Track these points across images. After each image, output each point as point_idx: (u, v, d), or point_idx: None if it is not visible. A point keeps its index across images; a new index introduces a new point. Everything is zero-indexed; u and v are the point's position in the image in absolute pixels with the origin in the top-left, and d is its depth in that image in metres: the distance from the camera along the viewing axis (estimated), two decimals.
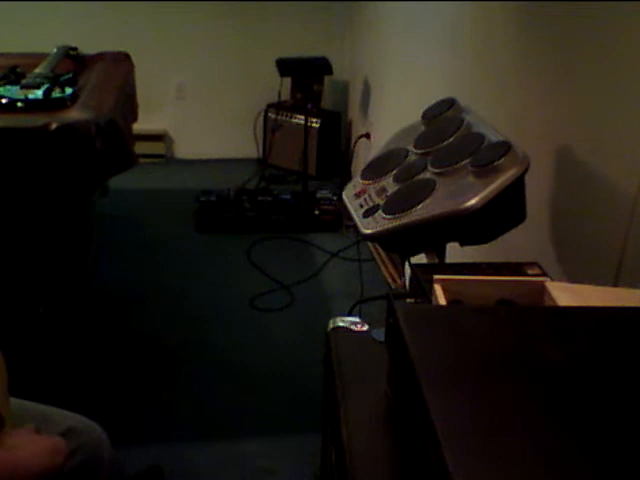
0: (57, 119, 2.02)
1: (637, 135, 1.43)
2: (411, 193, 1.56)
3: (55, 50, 2.76)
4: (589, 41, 1.63)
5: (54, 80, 2.34)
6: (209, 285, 3.10)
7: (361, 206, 1.65)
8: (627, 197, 1.44)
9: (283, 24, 4.27)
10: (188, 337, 2.71)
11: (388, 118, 3.45)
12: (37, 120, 2.02)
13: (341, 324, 1.21)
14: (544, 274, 1.23)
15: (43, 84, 2.28)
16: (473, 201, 1.42)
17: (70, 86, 2.34)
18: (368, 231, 1.56)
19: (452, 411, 0.76)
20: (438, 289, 1.10)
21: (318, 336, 1.32)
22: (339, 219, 3.66)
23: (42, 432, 1.15)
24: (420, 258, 1.58)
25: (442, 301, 1.08)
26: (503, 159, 1.45)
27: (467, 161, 1.53)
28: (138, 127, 2.70)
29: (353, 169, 4.01)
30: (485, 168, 1.47)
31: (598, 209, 1.59)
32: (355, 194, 1.72)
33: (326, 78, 4.25)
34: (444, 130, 1.72)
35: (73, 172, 2.05)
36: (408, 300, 1.20)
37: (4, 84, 2.35)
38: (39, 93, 2.24)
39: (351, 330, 1.20)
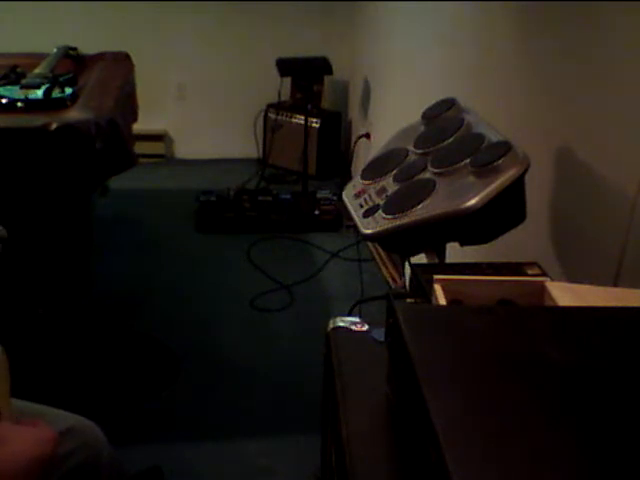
0: (57, 119, 2.02)
1: (637, 135, 1.43)
2: (411, 193, 1.56)
3: (55, 50, 2.76)
4: (589, 41, 1.63)
5: (54, 80, 2.34)
6: (209, 285, 3.10)
7: (361, 206, 1.65)
8: (627, 197, 1.44)
9: (283, 24, 4.27)
10: (188, 337, 2.71)
11: (388, 118, 3.45)
12: (37, 120, 2.02)
13: (341, 324, 1.21)
14: (544, 274, 1.23)
15: (43, 84, 2.28)
16: (473, 201, 1.42)
17: (70, 86, 2.34)
18: (368, 231, 1.56)
19: (452, 411, 0.76)
20: (438, 289, 1.10)
21: (318, 336, 1.32)
22: (339, 219, 3.66)
23: (22, 422, 1.13)
24: (420, 258, 1.58)
25: (442, 301, 1.08)
26: (503, 159, 1.45)
27: (467, 161, 1.53)
28: (138, 127, 2.70)
29: (353, 169, 4.01)
30: (485, 168, 1.47)
31: (598, 209, 1.59)
32: (355, 194, 1.72)
33: (326, 78, 4.25)
34: (444, 130, 1.72)
35: (73, 172, 2.06)
36: (408, 300, 1.20)
37: (4, 84, 2.35)
38: (39, 93, 2.24)
39: (351, 330, 1.20)
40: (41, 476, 1.02)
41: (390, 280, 3.10)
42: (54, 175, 2.04)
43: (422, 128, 1.82)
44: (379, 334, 1.14)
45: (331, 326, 1.21)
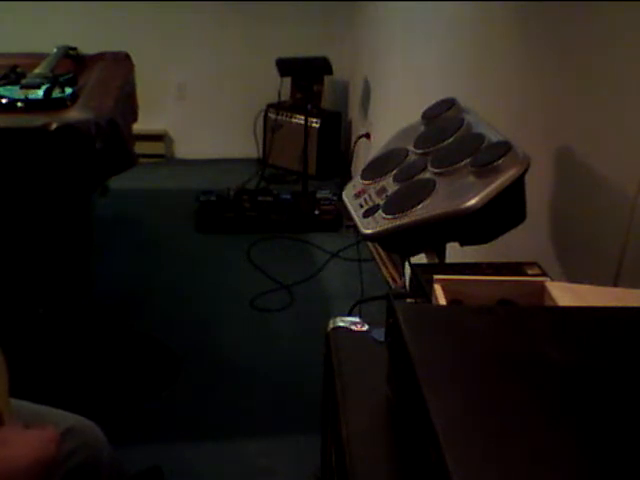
0: (57, 119, 2.02)
1: (637, 135, 1.43)
2: (411, 193, 1.56)
3: (55, 50, 2.76)
4: (589, 41, 1.63)
5: (54, 80, 2.34)
6: (209, 285, 3.10)
7: (361, 206, 1.65)
8: (627, 197, 1.44)
9: (283, 24, 4.27)
10: (188, 337, 2.71)
11: (388, 118, 3.45)
12: (37, 120, 2.02)
13: (341, 324, 1.21)
14: (544, 274, 1.23)
15: (43, 84, 2.28)
16: (473, 201, 1.42)
17: (70, 86, 2.34)
18: (368, 231, 1.56)
19: (452, 411, 0.76)
20: (438, 289, 1.10)
21: (318, 336, 1.32)
22: (339, 219, 3.66)
23: (31, 426, 1.14)
24: (420, 258, 1.58)
25: (442, 301, 1.08)
26: (503, 159, 1.45)
27: (467, 161, 1.53)
28: (138, 127, 2.70)
29: (353, 169, 4.01)
30: (485, 168, 1.47)
31: (598, 209, 1.59)
32: (355, 194, 1.72)
33: (326, 78, 4.25)
34: (444, 130, 1.72)
35: (73, 172, 2.06)
36: (408, 300, 1.20)
37: (4, 84, 2.35)
38: (39, 93, 2.24)
39: (351, 330, 1.20)
40: (44, 477, 1.02)
41: (390, 280, 3.10)
42: (54, 175, 2.04)
43: (422, 128, 1.82)
44: (379, 334, 1.14)
45: (331, 326, 1.21)
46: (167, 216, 3.75)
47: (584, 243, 1.65)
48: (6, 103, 2.20)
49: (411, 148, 1.74)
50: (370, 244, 3.33)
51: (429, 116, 1.84)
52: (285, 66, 3.72)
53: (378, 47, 3.72)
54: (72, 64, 2.76)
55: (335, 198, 3.76)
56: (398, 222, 1.51)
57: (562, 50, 1.76)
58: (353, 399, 1.03)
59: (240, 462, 2.12)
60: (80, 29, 3.82)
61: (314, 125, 4.11)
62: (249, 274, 3.19)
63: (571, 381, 0.81)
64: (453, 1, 2.52)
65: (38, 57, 2.67)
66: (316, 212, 3.69)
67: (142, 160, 3.79)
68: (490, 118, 1.73)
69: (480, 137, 1.59)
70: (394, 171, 1.70)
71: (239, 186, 3.97)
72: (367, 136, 3.79)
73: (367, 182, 1.73)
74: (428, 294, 1.14)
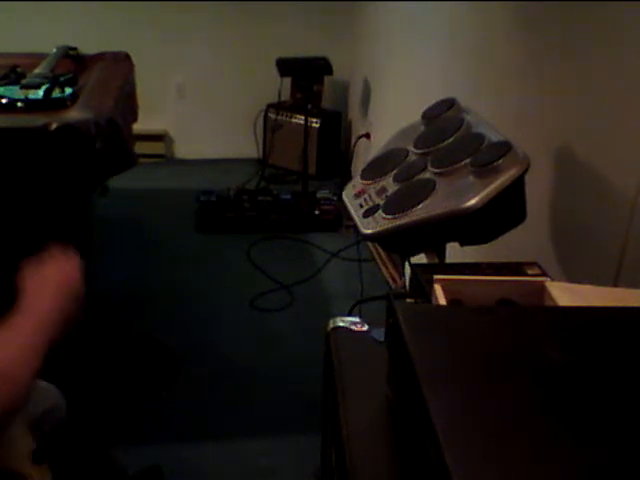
0: (57, 119, 2.02)
1: (637, 135, 1.43)
2: (411, 193, 1.56)
3: (55, 50, 2.76)
4: (588, 41, 1.63)
5: (54, 80, 2.34)
6: (209, 285, 3.10)
7: (361, 206, 1.66)
8: (627, 197, 1.44)
9: (283, 24, 4.27)
10: (188, 337, 2.71)
11: (388, 118, 3.45)
12: (37, 120, 2.02)
13: (341, 324, 1.21)
14: (544, 274, 1.23)
15: (43, 84, 2.29)
16: (473, 201, 1.42)
17: (70, 86, 2.34)
18: (368, 231, 1.56)
19: (452, 411, 0.76)
20: (438, 289, 1.10)
21: (318, 336, 1.32)
22: (339, 219, 3.65)
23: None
24: (420, 258, 1.58)
25: (442, 301, 1.08)
26: (503, 159, 1.45)
27: (467, 161, 1.53)
28: (138, 127, 2.70)
29: (353, 169, 4.00)
30: (485, 168, 1.47)
31: (598, 209, 1.59)
32: (355, 194, 1.72)
33: (326, 78, 4.25)
34: (444, 130, 1.72)
35: (73, 172, 2.06)
36: (408, 300, 1.20)
37: (4, 84, 2.35)
38: (39, 93, 2.24)
39: (351, 330, 1.20)
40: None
41: (390, 280, 3.10)
42: (54, 175, 2.04)
43: (422, 128, 1.82)
44: (379, 334, 1.14)
45: (331, 326, 1.21)
46: (167, 216, 3.75)
47: (584, 243, 1.65)
48: (6, 103, 2.20)
49: (411, 148, 1.74)
50: (370, 244, 3.33)
51: (429, 116, 1.84)
52: (285, 66, 3.72)
53: (378, 47, 3.72)
54: (72, 64, 2.76)
55: (335, 198, 3.75)
56: (398, 222, 1.51)
57: (562, 50, 1.76)
58: (353, 399, 1.03)
59: (240, 462, 2.12)
60: (80, 29, 3.82)
61: (314, 125, 4.10)
62: (249, 274, 3.19)
63: (571, 381, 0.81)
64: (453, 1, 2.52)
65: (38, 57, 2.67)
66: (316, 212, 3.69)
67: (142, 160, 3.79)
68: (490, 118, 1.73)
69: (480, 137, 1.59)
70: (394, 171, 1.70)
71: (239, 186, 3.96)
72: (367, 136, 3.79)
73: (367, 182, 1.73)
74: (428, 294, 1.14)
